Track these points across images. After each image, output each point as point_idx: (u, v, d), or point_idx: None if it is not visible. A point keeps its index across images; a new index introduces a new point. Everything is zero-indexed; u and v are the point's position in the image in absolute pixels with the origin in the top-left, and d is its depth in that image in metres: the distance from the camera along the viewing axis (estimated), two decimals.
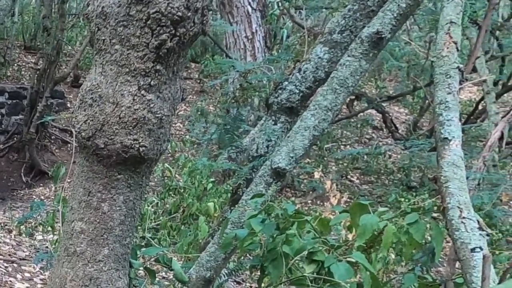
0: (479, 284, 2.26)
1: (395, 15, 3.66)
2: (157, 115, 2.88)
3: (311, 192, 10.65)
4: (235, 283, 6.93)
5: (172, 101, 2.94)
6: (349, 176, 11.72)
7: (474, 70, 9.17)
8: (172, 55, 2.83)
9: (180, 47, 2.82)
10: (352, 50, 3.75)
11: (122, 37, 2.79)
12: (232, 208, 4.35)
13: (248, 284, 7.05)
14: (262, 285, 3.34)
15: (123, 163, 2.93)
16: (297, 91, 4.40)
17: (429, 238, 3.12)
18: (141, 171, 3.02)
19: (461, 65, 2.95)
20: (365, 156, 12.17)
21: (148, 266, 3.82)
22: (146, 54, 2.79)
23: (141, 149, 2.89)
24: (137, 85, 2.82)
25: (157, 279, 3.93)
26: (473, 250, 2.46)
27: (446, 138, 2.80)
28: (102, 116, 2.87)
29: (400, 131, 13.45)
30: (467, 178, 2.66)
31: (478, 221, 2.56)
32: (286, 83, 4.44)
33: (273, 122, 4.53)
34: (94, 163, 2.97)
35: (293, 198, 10.26)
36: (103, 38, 2.85)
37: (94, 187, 2.99)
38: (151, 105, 2.85)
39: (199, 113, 12.34)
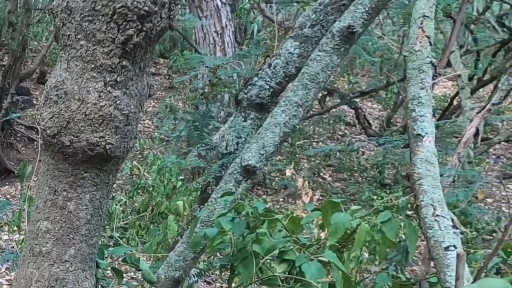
0: (453, 283, 2.23)
1: (367, 9, 3.62)
2: (123, 112, 2.82)
3: (282, 190, 10.62)
4: (205, 283, 6.88)
5: (139, 97, 2.89)
6: (321, 174, 11.68)
7: (449, 64, 9.18)
8: (139, 51, 2.78)
9: (146, 42, 2.77)
10: (323, 45, 3.70)
11: (88, 32, 2.73)
12: (201, 206, 4.31)
13: (218, 284, 7.01)
14: (233, 285, 3.29)
15: (89, 161, 2.87)
16: (267, 87, 4.34)
17: (403, 236, 3.09)
18: (108, 169, 2.97)
19: (434, 60, 2.93)
20: (338, 153, 12.10)
21: (116, 266, 3.76)
22: (112, 50, 2.72)
23: (107, 146, 2.83)
24: (103, 81, 2.76)
25: (125, 279, 3.88)
26: (446, 248, 2.44)
27: (419, 134, 2.78)
28: (68, 113, 2.80)
29: (373, 127, 13.45)
30: (442, 175, 2.64)
31: (452, 219, 2.54)
32: (256, 78, 4.38)
33: (243, 119, 4.47)
34: (59, 161, 2.90)
35: (264, 196, 10.23)
36: (68, 33, 2.78)
37: (60, 185, 2.93)
38: (118, 102, 2.79)
39: (168, 109, 12.26)
